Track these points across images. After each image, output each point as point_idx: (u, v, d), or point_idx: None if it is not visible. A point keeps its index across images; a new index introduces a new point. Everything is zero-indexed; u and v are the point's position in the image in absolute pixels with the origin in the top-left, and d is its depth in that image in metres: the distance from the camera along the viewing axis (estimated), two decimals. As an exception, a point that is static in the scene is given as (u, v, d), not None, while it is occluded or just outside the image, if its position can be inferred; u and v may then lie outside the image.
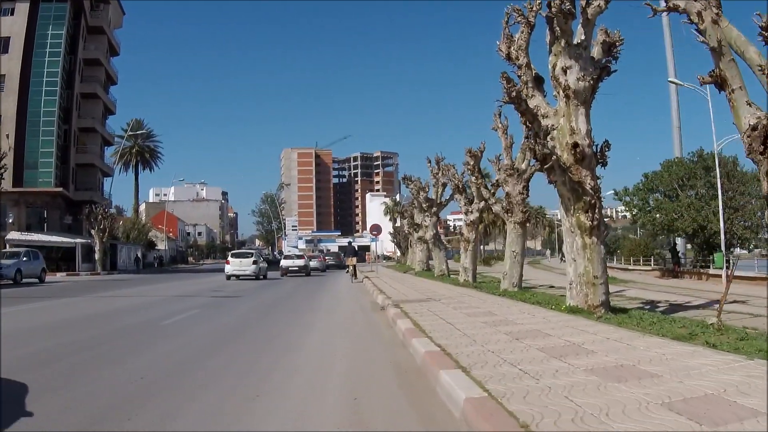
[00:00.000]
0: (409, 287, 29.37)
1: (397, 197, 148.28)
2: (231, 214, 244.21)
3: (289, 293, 30.31)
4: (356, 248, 46.71)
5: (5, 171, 49.36)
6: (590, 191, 15.41)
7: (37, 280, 41.97)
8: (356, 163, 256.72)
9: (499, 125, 26.55)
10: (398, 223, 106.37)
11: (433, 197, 41.91)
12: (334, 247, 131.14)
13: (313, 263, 59.96)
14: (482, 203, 32.17)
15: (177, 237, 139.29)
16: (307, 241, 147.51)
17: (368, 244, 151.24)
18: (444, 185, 41.00)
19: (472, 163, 28.40)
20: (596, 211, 15.40)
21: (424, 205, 42.22)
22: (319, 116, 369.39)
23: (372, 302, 23.13)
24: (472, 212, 32.53)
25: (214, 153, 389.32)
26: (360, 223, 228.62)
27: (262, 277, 44.91)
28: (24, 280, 40.27)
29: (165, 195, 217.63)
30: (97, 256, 65.17)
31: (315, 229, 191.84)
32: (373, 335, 14.33)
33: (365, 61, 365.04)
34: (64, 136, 72.69)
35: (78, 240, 66.13)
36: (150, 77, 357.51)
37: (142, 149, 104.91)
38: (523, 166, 25.30)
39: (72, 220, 71.04)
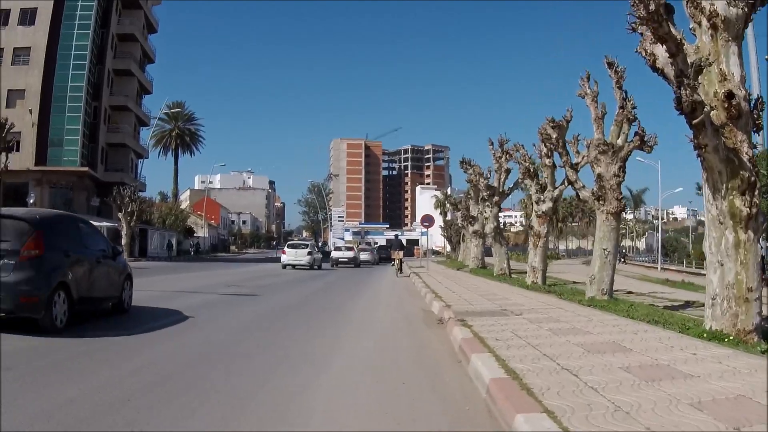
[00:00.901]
0: (469, 289, 23.52)
1: (448, 191, 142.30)
2: (278, 204, 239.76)
3: (324, 289, 26.32)
4: (403, 242, 44.97)
5: (11, 144, 44.19)
6: (748, 164, 10.60)
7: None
8: (406, 155, 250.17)
9: (588, 91, 20.17)
10: (449, 217, 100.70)
11: (495, 185, 35.50)
12: (381, 240, 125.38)
13: (364, 256, 61.90)
14: (556, 191, 25.98)
15: (219, 224, 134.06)
16: (354, 233, 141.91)
17: (417, 237, 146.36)
18: (507, 171, 34.79)
19: (554, 137, 21.81)
20: (754, 193, 10.64)
21: (484, 194, 35.72)
22: (369, 108, 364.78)
23: (423, 310, 17.71)
24: (544, 201, 26.24)
25: (261, 142, 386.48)
26: (409, 216, 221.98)
27: (316, 267, 46.85)
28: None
29: (210, 182, 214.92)
30: (123, 241, 59.77)
31: (363, 221, 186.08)
32: (428, 386, 8.10)
33: (418, 55, 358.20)
34: (93, 114, 67.81)
35: (104, 223, 60.73)
36: (196, 61, 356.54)
37: (182, 132, 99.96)
38: (619, 141, 19.01)
39: (100, 202, 65.80)
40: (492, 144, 34.80)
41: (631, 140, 18.74)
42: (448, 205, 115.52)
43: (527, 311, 15.06)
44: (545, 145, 25.36)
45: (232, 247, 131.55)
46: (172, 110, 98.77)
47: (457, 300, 18.51)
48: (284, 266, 44.63)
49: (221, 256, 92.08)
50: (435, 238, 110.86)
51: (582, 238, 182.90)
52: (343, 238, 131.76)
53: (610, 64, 18.93)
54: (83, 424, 5.90)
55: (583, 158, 22.51)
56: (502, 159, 34.01)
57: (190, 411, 6.56)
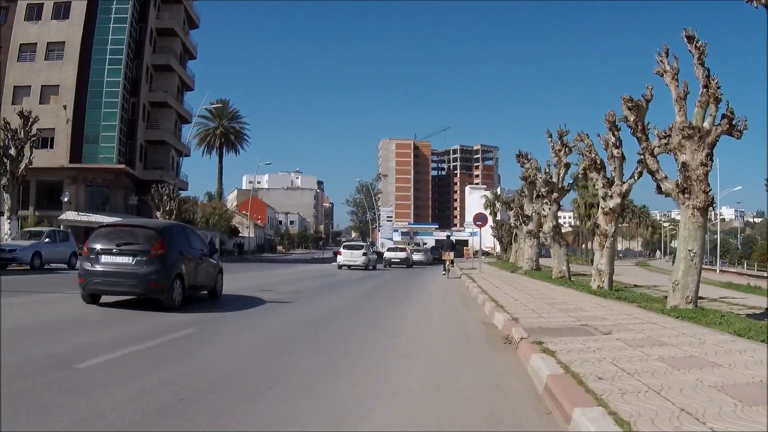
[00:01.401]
0: (531, 295, 20.32)
1: (498, 190, 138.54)
2: (326, 204, 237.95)
3: (369, 294, 23.49)
4: (454, 242, 43.46)
5: (35, 138, 41.64)
6: None
7: (65, 266, 33.55)
8: (455, 155, 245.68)
9: (667, 68, 16.42)
10: (498, 217, 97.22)
11: (554, 180, 31.72)
12: (430, 240, 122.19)
13: (417, 256, 62.53)
14: (625, 186, 22.37)
15: (265, 224, 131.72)
16: (403, 233, 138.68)
17: (466, 238, 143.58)
18: (567, 166, 31.09)
19: (632, 119, 17.97)
20: None
21: (542, 190, 31.77)
22: (417, 107, 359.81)
23: (484, 323, 14.62)
24: (612, 197, 22.55)
25: (310, 142, 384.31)
26: (458, 216, 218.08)
27: (371, 267, 47.76)
28: (49, 266, 32.39)
29: (258, 183, 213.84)
30: (160, 241, 57.17)
31: (412, 221, 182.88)
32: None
33: (467, 54, 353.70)
34: (131, 110, 65.42)
35: (140, 223, 58.43)
36: (242, 59, 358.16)
37: (226, 130, 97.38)
38: (705, 125, 15.43)
39: (138, 201, 63.17)
40: (551, 136, 30.97)
41: (719, 124, 15.27)
42: (498, 204, 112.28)
43: (614, 327, 11.89)
44: (613, 134, 21.84)
45: (279, 248, 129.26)
46: (215, 106, 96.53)
47: (522, 310, 15.48)
48: (340, 266, 46.07)
49: (266, 257, 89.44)
50: (485, 239, 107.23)
51: (631, 239, 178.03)
52: (391, 239, 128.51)
53: (690, 38, 15.46)
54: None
55: (655, 147, 19.00)
56: (562, 152, 30.24)
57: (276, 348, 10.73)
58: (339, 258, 47.46)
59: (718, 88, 15.42)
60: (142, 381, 7.46)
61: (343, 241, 79.12)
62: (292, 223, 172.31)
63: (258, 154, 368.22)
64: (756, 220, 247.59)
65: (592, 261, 73.79)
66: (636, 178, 21.91)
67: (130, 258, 14.69)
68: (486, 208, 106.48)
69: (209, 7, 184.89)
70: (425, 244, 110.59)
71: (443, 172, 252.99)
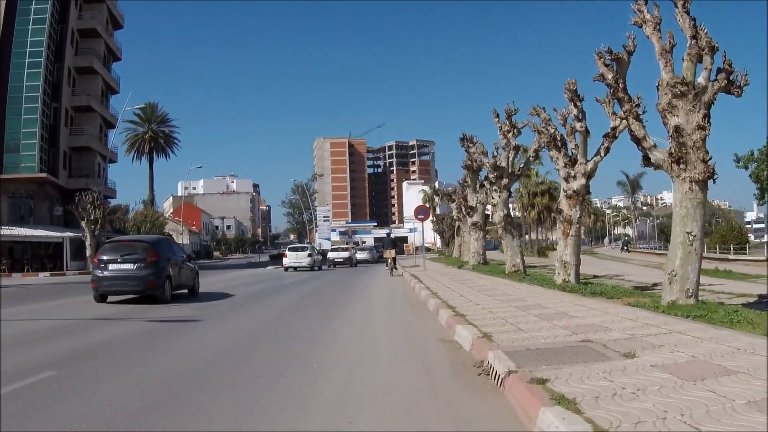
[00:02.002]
0: (494, 297, 17.59)
1: (436, 185, 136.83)
2: (263, 207, 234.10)
3: (297, 306, 19.41)
4: (394, 240, 43.82)
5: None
6: None
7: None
8: (391, 152, 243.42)
9: (647, 17, 14.28)
10: (438, 211, 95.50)
11: (503, 164, 29.49)
12: (369, 239, 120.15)
13: (362, 255, 65.22)
14: (590, 164, 20.40)
15: (201, 230, 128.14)
16: (341, 233, 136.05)
17: (406, 234, 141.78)
18: (517, 149, 28.93)
19: (610, 77, 15.54)
20: None
21: (491, 176, 29.58)
22: (351, 106, 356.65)
23: (442, 339, 11.52)
24: (575, 177, 20.59)
25: (244, 145, 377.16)
26: (396, 213, 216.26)
27: (317, 268, 49.92)
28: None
29: (194, 188, 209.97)
30: (87, 252, 53.90)
31: (350, 220, 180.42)
32: None
33: (399, 50, 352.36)
34: (53, 115, 61.80)
35: (67, 234, 55.14)
36: (173, 65, 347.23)
37: (156, 134, 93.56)
38: (701, 80, 13.32)
39: (63, 211, 59.76)
40: (498, 116, 28.71)
41: (715, 78, 13.13)
42: (437, 199, 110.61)
43: (632, 344, 8.76)
44: (575, 105, 19.82)
45: (216, 253, 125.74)
46: (141, 108, 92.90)
47: (489, 319, 12.40)
48: (286, 269, 47.81)
49: (202, 263, 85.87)
50: (425, 234, 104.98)
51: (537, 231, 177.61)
52: (329, 239, 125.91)
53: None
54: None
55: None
56: (510, 134, 28.15)
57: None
58: (285, 260, 49.24)
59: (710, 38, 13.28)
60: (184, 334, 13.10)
61: (281, 244, 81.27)
62: (228, 227, 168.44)
63: (192, 160, 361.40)
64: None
65: (538, 252, 72.27)
66: (602, 155, 19.99)
67: (132, 264, 19.58)
68: (425, 202, 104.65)
69: (133, 7, 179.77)
70: (364, 242, 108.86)
71: (379, 170, 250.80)
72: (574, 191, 20.77)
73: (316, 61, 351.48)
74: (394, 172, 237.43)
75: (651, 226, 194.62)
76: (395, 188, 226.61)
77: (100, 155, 70.08)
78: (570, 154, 20.90)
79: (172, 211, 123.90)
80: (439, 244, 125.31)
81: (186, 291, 22.77)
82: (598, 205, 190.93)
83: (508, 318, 12.56)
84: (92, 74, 68.31)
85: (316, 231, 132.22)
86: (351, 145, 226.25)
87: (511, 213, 48.14)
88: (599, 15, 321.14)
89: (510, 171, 28.71)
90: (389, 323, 14.75)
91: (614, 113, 19.05)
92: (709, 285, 25.14)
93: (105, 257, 19.85)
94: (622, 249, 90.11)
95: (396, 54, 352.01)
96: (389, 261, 36.69)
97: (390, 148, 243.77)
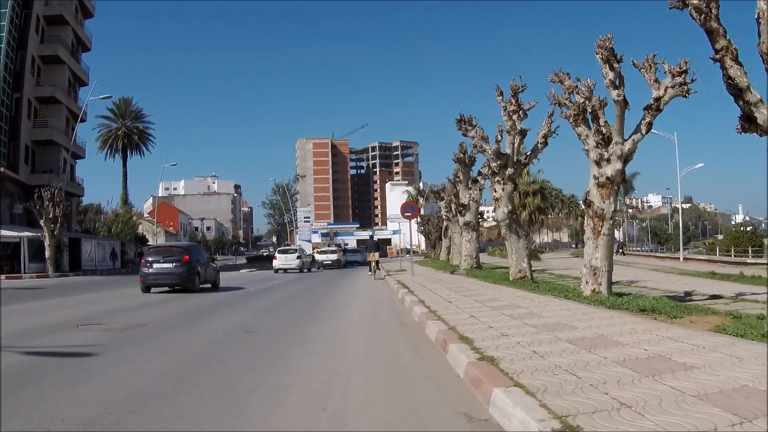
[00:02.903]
0: (526, 321, 12.41)
1: (420, 185, 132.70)
2: (245, 209, 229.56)
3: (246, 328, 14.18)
4: (377, 242, 43.65)
5: None
6: None
7: None
8: (374, 153, 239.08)
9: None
10: (422, 212, 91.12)
11: (508, 151, 24.95)
12: (352, 241, 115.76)
13: (353, 257, 65.50)
14: (627, 144, 16.10)
15: (178, 231, 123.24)
16: (323, 235, 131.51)
17: (389, 236, 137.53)
18: (523, 133, 24.24)
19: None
20: None
21: (493, 165, 24.86)
22: (334, 106, 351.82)
23: (471, 418, 6.18)
24: (609, 161, 16.29)
25: (226, 145, 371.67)
26: (379, 215, 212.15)
27: (306, 270, 51.16)
28: None
29: (175, 189, 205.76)
30: (47, 253, 49.27)
31: (332, 222, 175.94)
32: None
33: (382, 50, 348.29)
34: (14, 106, 57.04)
35: (25, 233, 50.39)
36: (153, 63, 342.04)
37: (130, 131, 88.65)
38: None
39: (24, 209, 54.97)
40: (501, 94, 24.06)
41: None
42: (422, 200, 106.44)
43: None
44: (611, 67, 15.50)
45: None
46: (106, 100, 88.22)
47: (547, 372, 7.13)
48: (276, 270, 49.12)
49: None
50: (408, 236, 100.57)
51: (557, 230, 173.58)
52: (310, 240, 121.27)
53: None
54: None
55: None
56: (516, 116, 23.70)
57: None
58: (275, 262, 50.62)
59: None
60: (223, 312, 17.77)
61: (262, 246, 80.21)
62: (208, 229, 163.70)
63: (173, 161, 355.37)
64: (684, 206, 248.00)
65: (530, 256, 68.11)
66: (644, 132, 15.64)
67: (171, 264, 25.36)
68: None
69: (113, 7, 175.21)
70: (347, 244, 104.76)
71: (362, 171, 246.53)
72: (607, 178, 16.44)
73: (299, 61, 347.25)
74: (378, 173, 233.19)
75: (638, 228, 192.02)
76: (378, 189, 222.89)
77: (67, 150, 65.23)
78: (603, 130, 16.56)
79: (149, 211, 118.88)
80: (423, 246, 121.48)
81: (210, 285, 28.31)
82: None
83: (572, 367, 7.42)
84: (58, 64, 63.53)
85: (297, 232, 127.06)
86: (334, 146, 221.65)
87: (479, 219, 44.16)
88: (590, 14, 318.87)
89: (515, 159, 24.19)
90: (371, 369, 9.10)
91: (657, 81, 14.91)
92: (733, 291, 21.45)
93: (150, 259, 26.00)
94: (617, 252, 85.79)
95: (380, 54, 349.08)
96: (372, 264, 36.41)
97: (373, 149, 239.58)
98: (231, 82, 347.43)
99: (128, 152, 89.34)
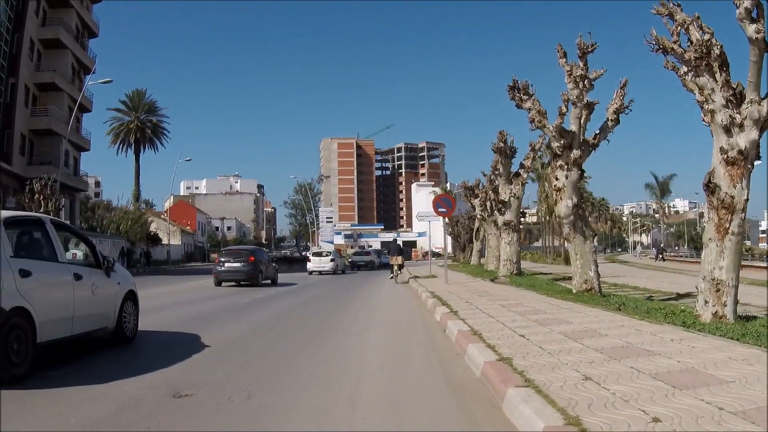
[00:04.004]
0: (698, 394, 6.47)
1: (447, 186, 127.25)
2: (268, 209, 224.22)
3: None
4: (401, 245, 38.85)
5: None
6: None
7: None
8: (400, 154, 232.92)
9: None
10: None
11: (573, 128, 19.02)
12: (376, 243, 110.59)
13: (362, 258, 65.36)
14: (766, 105, 10.66)
15: (196, 230, 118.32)
16: (346, 236, 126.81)
17: (414, 239, 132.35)
18: (591, 107, 18.47)
19: None
20: None
21: (554, 146, 18.90)
22: (360, 106, 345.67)
23: None
24: (742, 126, 10.88)
25: (250, 144, 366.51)
26: (404, 217, 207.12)
27: (339, 272, 51.59)
28: None
29: (197, 188, 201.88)
30: (38, 252, 44.20)
31: (356, 223, 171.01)
32: None
33: (410, 49, 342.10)
34: (9, 92, 52.15)
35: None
36: (177, 60, 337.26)
37: (143, 124, 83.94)
38: None
39: (15, 202, 49.88)
40: (565, 56, 18.28)
41: None
42: (465, 191, 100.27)
43: None
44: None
45: (213, 255, 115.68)
46: (132, 102, 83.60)
47: None
48: (311, 272, 49.22)
49: (187, 267, 76.05)
50: (434, 239, 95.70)
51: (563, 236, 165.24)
52: (332, 242, 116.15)
53: None
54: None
55: None
56: (583, 84, 18.11)
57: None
58: (309, 265, 51.19)
59: None
60: (284, 301, 22.31)
61: (286, 247, 79.91)
62: (229, 228, 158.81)
63: (196, 160, 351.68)
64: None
65: (566, 260, 62.17)
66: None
67: (240, 264, 31.00)
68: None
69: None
70: (370, 246, 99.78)
71: (388, 172, 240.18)
72: (739, 152, 10.99)
73: (324, 60, 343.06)
74: (403, 174, 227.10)
75: (666, 234, 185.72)
76: (404, 191, 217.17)
77: (71, 142, 60.27)
78: (734, 85, 11.10)
79: (166, 209, 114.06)
80: (450, 249, 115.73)
81: (270, 281, 33.33)
82: (617, 211, 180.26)
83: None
84: (60, 48, 58.52)
85: (319, 233, 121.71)
86: (359, 146, 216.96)
87: (521, 218, 38.73)
88: (614, 13, 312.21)
89: (582, 139, 18.60)
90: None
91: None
92: None
93: (222, 259, 31.64)
94: (657, 257, 79.86)
95: (406, 54, 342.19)
96: (395, 268, 34.51)
97: (399, 149, 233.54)
98: (256, 79, 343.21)
99: (142, 147, 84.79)
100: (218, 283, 30.45)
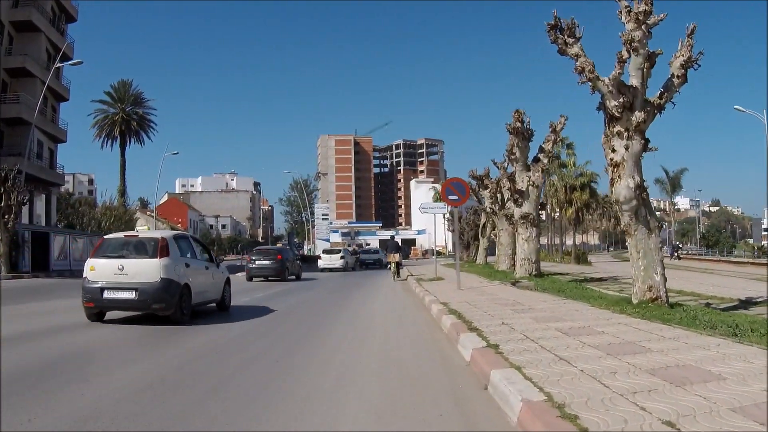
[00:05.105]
0: None
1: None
2: (265, 207, 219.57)
3: None
4: (399, 243, 39.55)
5: None
6: None
7: None
8: (398, 151, 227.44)
9: None
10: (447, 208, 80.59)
11: (634, 83, 14.05)
12: (374, 241, 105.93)
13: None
14: None
15: (187, 229, 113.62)
16: (344, 234, 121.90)
17: (413, 237, 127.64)
18: (652, 59, 13.57)
19: None
20: None
21: (610, 105, 13.61)
22: (358, 103, 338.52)
23: None
24: None
25: (246, 142, 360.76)
26: (403, 215, 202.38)
27: (350, 269, 53.42)
28: None
29: (192, 186, 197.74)
30: (0, 249, 39.48)
31: (354, 220, 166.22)
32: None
33: (407, 46, 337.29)
34: (-29, 76, 47.34)
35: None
36: (173, 56, 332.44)
37: (128, 116, 79.02)
38: None
39: (-18, 198, 45.08)
40: None
41: None
42: (475, 180, 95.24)
43: None
44: None
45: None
46: (117, 94, 78.79)
47: None
48: (322, 269, 51.22)
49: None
50: (434, 237, 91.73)
51: (584, 233, 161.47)
52: (328, 240, 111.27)
53: None
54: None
55: None
56: (640, 32, 13.21)
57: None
58: (320, 262, 53.46)
59: None
60: (301, 293, 26.46)
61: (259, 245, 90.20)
62: (224, 227, 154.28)
63: (193, 157, 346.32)
64: (712, 209, 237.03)
65: (577, 259, 57.20)
66: None
67: (269, 261, 35.71)
68: (435, 201, 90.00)
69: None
70: (368, 244, 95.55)
71: (386, 169, 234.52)
72: None
73: (322, 57, 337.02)
74: (402, 171, 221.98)
75: (669, 232, 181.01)
76: (402, 188, 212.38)
77: (45, 133, 55.44)
78: None
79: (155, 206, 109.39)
80: (450, 247, 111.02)
81: (294, 277, 38.38)
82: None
83: None
84: (33, 32, 53.53)
85: (314, 230, 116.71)
86: (357, 143, 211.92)
87: (539, 213, 34.07)
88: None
89: (643, 98, 13.75)
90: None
91: None
92: None
93: (254, 257, 37.14)
94: (672, 256, 75.32)
95: (404, 50, 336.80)
96: (393, 266, 34.93)
97: (397, 147, 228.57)
98: (253, 76, 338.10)
99: (127, 140, 79.78)
100: (249, 279, 35.23)
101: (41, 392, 7.36)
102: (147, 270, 13.37)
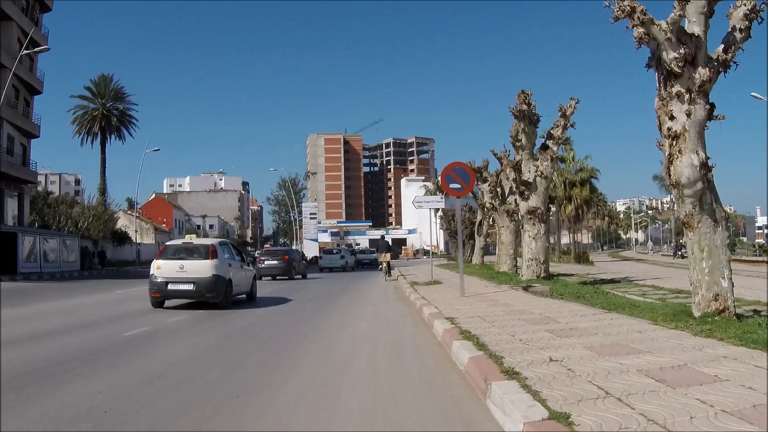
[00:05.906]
0: None
1: (439, 180, 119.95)
2: (254, 207, 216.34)
3: None
4: (389, 243, 40.38)
5: None
6: None
7: None
8: (388, 149, 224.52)
9: None
10: (444, 206, 77.45)
11: (697, 31, 10.71)
12: (364, 240, 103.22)
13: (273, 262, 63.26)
14: None
15: (172, 229, 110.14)
16: (333, 234, 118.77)
17: (404, 236, 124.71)
18: (711, 9, 10.48)
19: None
20: None
21: (669, 58, 10.30)
22: (347, 101, 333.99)
23: None
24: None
25: (235, 142, 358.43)
26: (393, 214, 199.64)
27: (349, 269, 55.16)
28: None
29: (179, 186, 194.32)
30: (-39, 252, 36.27)
31: (343, 220, 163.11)
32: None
33: (396, 45, 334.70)
34: (-67, 65, 43.92)
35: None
36: (163, 57, 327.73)
37: (108, 112, 75.54)
38: None
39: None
40: None
41: None
42: (440, 196, 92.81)
43: None
44: None
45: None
46: (98, 89, 75.35)
47: None
48: (322, 269, 53.40)
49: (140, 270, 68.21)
50: (426, 237, 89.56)
51: (577, 231, 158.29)
52: (316, 239, 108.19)
53: None
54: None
55: None
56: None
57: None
58: (321, 262, 55.99)
59: None
60: (310, 288, 30.01)
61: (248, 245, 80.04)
62: (211, 227, 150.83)
63: (181, 156, 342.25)
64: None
65: (577, 259, 53.99)
66: None
67: (278, 261, 38.32)
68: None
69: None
70: (358, 244, 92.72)
71: (376, 168, 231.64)
72: None
73: (310, 55, 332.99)
74: (392, 170, 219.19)
75: (663, 230, 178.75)
76: (392, 187, 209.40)
77: (17, 127, 52.09)
78: None
79: (141, 206, 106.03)
80: (442, 246, 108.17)
81: (301, 276, 40.63)
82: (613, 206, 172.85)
83: None
84: (2, 20, 50.18)
85: (302, 230, 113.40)
86: (346, 142, 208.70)
87: (548, 207, 31.05)
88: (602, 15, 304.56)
89: (706, 54, 10.63)
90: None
91: None
92: None
93: (263, 257, 39.48)
94: (675, 254, 72.55)
95: (393, 48, 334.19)
96: (383, 265, 35.21)
97: (387, 145, 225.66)
98: (242, 75, 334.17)
99: (108, 136, 76.23)
100: (258, 278, 32.51)
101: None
102: (202, 268, 17.79)
